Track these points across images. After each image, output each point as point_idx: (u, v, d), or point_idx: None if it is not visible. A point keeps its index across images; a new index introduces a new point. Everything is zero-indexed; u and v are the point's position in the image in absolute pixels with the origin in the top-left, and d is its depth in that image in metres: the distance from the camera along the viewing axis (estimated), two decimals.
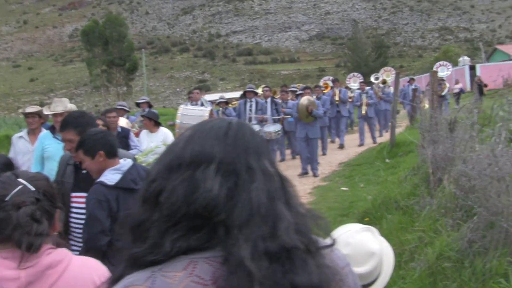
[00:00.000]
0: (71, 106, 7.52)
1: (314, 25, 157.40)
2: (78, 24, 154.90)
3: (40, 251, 1.88)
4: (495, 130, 4.83)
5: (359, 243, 2.55)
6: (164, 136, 9.51)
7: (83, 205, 3.89)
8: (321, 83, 20.91)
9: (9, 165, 3.99)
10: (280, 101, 14.86)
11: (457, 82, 31.40)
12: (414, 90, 17.22)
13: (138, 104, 13.25)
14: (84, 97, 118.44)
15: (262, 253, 1.20)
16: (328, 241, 1.36)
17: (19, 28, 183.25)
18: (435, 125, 6.60)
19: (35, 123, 7.15)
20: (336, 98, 17.25)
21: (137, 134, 10.03)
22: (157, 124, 9.44)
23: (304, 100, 12.63)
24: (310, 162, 12.76)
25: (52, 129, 6.68)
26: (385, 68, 29.24)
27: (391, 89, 22.29)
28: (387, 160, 10.89)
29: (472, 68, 47.11)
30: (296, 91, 16.64)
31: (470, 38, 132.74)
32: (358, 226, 2.68)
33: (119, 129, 8.97)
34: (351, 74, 26.96)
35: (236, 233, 1.21)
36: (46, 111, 7.52)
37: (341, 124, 17.83)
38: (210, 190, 1.23)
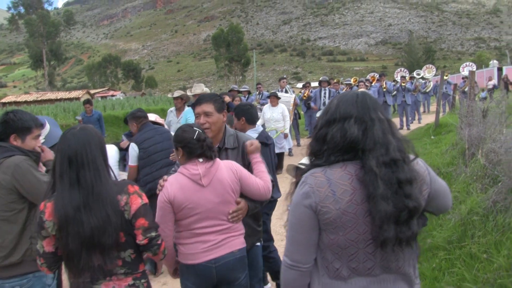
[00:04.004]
0: (206, 89, 7.72)
1: (379, 34, 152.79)
2: (210, 31, 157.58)
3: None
4: None
5: None
6: (282, 109, 9.68)
7: None
8: (368, 77, 19.41)
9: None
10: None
11: (490, 79, 28.17)
12: (455, 85, 15.89)
13: (239, 91, 12.33)
14: (212, 83, 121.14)
15: (381, 163, 1.62)
16: (413, 156, 1.74)
17: (172, 35, 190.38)
18: (471, 112, 6.21)
19: (179, 103, 7.37)
20: (384, 86, 15.22)
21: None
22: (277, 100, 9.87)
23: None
24: None
25: (193, 107, 6.91)
26: (427, 65, 25.34)
27: (430, 84, 20.09)
28: (432, 137, 10.36)
29: (500, 69, 43.23)
30: (350, 84, 15.12)
31: (499, 46, 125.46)
32: None
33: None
34: (398, 69, 24.16)
35: (367, 154, 1.64)
36: (188, 93, 7.76)
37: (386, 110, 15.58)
38: (353, 133, 1.66)
